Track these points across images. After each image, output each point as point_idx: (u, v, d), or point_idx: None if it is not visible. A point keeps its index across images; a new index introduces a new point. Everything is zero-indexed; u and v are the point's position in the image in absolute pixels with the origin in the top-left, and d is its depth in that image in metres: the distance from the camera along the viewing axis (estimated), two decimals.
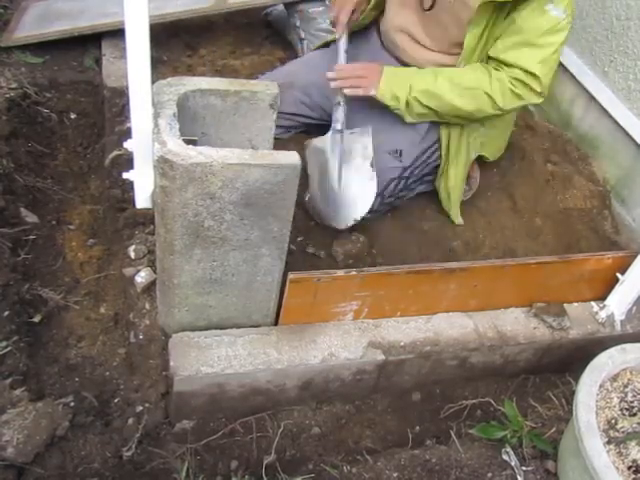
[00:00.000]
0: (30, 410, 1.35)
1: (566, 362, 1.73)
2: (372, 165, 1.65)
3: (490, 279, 1.61)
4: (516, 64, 1.59)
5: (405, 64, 1.78)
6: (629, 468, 1.32)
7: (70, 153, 2.09)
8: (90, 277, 1.74)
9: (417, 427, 1.62)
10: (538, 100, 1.67)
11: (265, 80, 1.51)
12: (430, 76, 1.65)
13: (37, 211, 1.85)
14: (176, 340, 1.44)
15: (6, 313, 1.50)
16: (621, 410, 1.41)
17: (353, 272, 1.47)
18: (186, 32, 2.42)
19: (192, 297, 1.39)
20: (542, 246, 1.90)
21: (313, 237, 1.76)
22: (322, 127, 1.95)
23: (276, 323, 1.52)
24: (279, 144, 1.48)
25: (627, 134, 2.04)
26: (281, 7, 2.45)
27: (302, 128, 1.97)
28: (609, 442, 1.35)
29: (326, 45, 1.98)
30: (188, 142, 1.19)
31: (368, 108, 1.75)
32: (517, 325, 1.67)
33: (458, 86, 1.62)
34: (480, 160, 1.94)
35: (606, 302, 1.73)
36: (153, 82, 1.19)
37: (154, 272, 1.55)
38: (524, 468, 1.47)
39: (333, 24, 1.78)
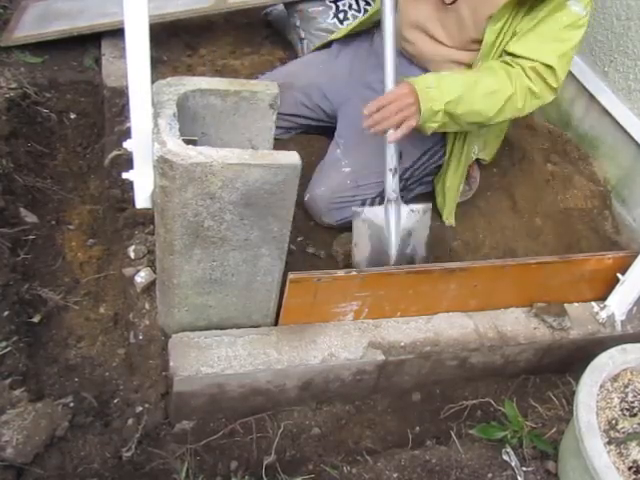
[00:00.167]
0: (29, 410, 1.34)
1: (566, 362, 1.73)
2: (427, 242, 1.65)
3: (490, 279, 1.61)
4: (534, 57, 1.55)
5: (415, 61, 1.76)
6: (629, 468, 1.32)
7: (70, 153, 2.08)
8: (90, 277, 1.74)
9: (417, 427, 1.62)
10: (552, 97, 1.63)
11: (265, 80, 1.50)
12: (455, 82, 1.54)
13: (37, 211, 1.85)
14: (176, 340, 1.44)
15: (6, 313, 1.50)
16: (621, 410, 1.41)
17: (353, 272, 1.47)
18: (186, 32, 2.42)
19: (192, 297, 1.39)
20: (542, 246, 1.90)
21: (313, 237, 1.76)
22: (321, 128, 1.95)
23: (276, 323, 1.52)
24: (279, 144, 1.48)
25: (627, 134, 2.04)
26: (281, 7, 2.44)
27: (302, 129, 1.96)
28: (610, 442, 1.34)
29: (327, 45, 1.97)
30: (188, 142, 1.19)
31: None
32: (517, 325, 1.67)
33: (481, 89, 1.54)
34: (478, 161, 1.94)
35: (607, 302, 1.73)
36: (153, 82, 1.19)
37: (154, 272, 1.55)
38: (524, 468, 1.47)
39: None
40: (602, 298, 1.75)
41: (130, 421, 1.44)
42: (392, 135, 1.52)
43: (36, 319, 1.58)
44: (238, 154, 1.18)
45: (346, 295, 1.50)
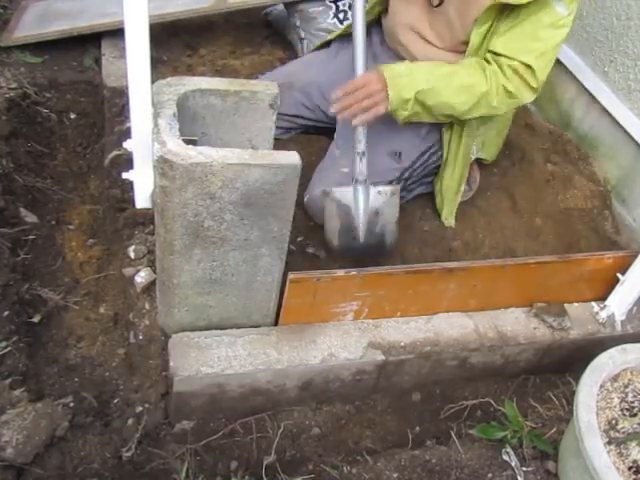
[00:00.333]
0: (29, 410, 1.34)
1: (566, 362, 1.73)
2: (397, 223, 1.67)
3: (490, 279, 1.61)
4: (513, 56, 1.55)
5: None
6: (630, 468, 1.32)
7: (70, 153, 2.08)
8: (90, 277, 1.74)
9: (417, 427, 1.62)
10: (531, 97, 1.63)
11: (265, 80, 1.50)
12: (428, 72, 1.56)
13: (37, 211, 1.85)
14: (176, 340, 1.44)
15: (6, 313, 1.50)
16: (621, 410, 1.41)
17: (353, 272, 1.47)
18: (186, 32, 2.42)
19: (192, 297, 1.39)
20: (542, 246, 1.90)
21: (313, 237, 1.76)
22: (321, 128, 1.95)
23: (276, 323, 1.52)
24: (279, 144, 1.48)
25: (627, 134, 2.03)
26: (281, 7, 2.44)
27: (302, 129, 1.96)
28: (610, 442, 1.34)
29: (326, 45, 1.97)
30: (188, 142, 1.19)
31: None
32: (517, 325, 1.67)
33: (455, 83, 1.55)
34: (479, 161, 1.94)
35: (607, 302, 1.73)
36: (153, 82, 1.19)
37: (154, 272, 1.55)
38: (524, 468, 1.47)
39: None
40: (602, 298, 1.75)
41: (130, 421, 1.44)
42: (357, 118, 1.53)
43: (36, 319, 1.58)
44: (238, 154, 1.18)
45: (346, 295, 1.50)
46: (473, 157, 1.84)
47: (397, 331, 1.58)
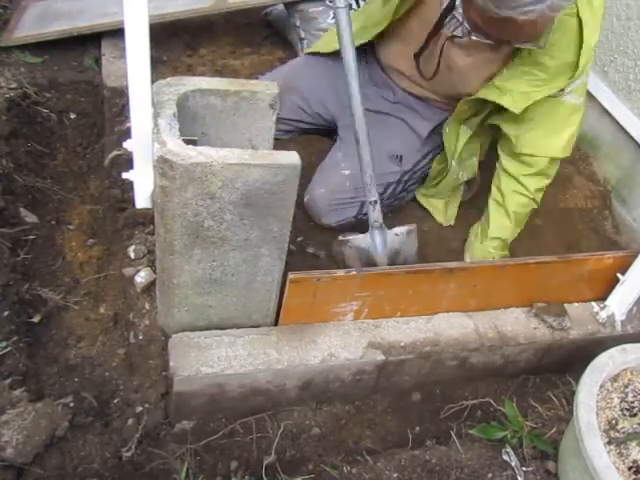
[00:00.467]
0: (29, 410, 1.34)
1: (566, 362, 1.73)
2: (417, 254, 1.73)
3: (490, 279, 1.61)
4: (543, 154, 1.65)
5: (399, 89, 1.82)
6: (630, 468, 1.32)
7: (70, 153, 2.08)
8: (90, 277, 1.74)
9: (417, 427, 1.62)
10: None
11: (265, 80, 1.50)
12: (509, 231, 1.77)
13: (37, 211, 1.85)
14: (176, 340, 1.44)
15: (6, 313, 1.50)
16: (621, 410, 1.41)
17: (353, 272, 1.47)
18: (186, 32, 2.42)
19: (192, 297, 1.39)
20: (542, 246, 1.90)
21: (313, 237, 1.76)
22: (321, 130, 1.95)
23: (276, 323, 1.52)
24: (279, 144, 1.48)
25: (627, 134, 2.04)
26: (281, 7, 2.44)
27: (300, 132, 1.96)
28: (610, 442, 1.34)
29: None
30: (188, 142, 1.19)
31: (367, 112, 1.75)
32: (517, 325, 1.67)
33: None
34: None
35: (607, 302, 1.73)
36: (153, 82, 1.19)
37: (154, 272, 1.55)
38: (524, 468, 1.47)
39: None
40: (602, 298, 1.75)
41: (130, 421, 1.44)
42: None
43: (36, 319, 1.58)
44: (238, 154, 1.18)
45: (346, 295, 1.50)
46: (476, 161, 1.85)
47: (397, 331, 1.58)
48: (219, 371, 1.40)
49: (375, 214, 1.62)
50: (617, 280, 1.69)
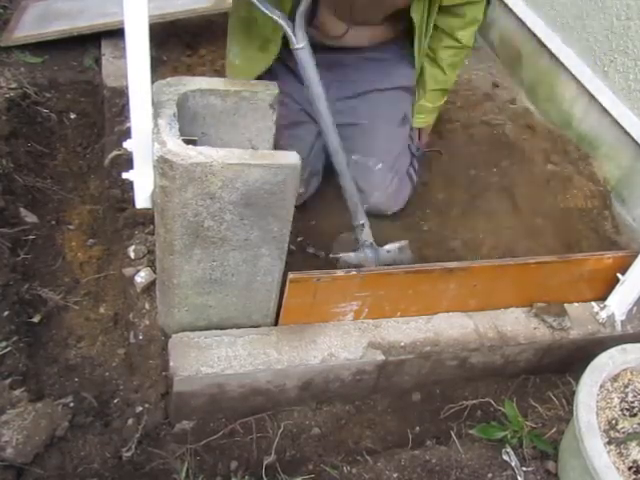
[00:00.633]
0: (29, 410, 1.34)
1: (566, 362, 1.73)
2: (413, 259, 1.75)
3: (490, 279, 1.61)
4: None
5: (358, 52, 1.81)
6: (630, 468, 1.32)
7: (70, 153, 2.08)
8: (90, 277, 1.74)
9: (417, 427, 1.62)
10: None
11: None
12: (442, 93, 1.86)
13: (37, 211, 1.85)
14: (176, 340, 1.44)
15: (6, 313, 1.50)
16: (621, 410, 1.40)
17: (353, 272, 1.47)
18: (186, 32, 2.42)
19: (192, 297, 1.39)
20: (542, 246, 1.90)
21: (313, 237, 1.76)
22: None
23: (276, 323, 1.52)
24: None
25: (627, 134, 2.03)
26: None
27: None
28: (610, 442, 1.34)
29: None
30: (188, 142, 1.19)
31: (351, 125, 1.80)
32: (517, 325, 1.67)
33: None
34: None
35: (607, 302, 1.73)
36: (153, 82, 1.19)
37: (154, 272, 1.55)
38: (524, 468, 1.47)
39: None
40: (602, 298, 1.75)
41: (130, 421, 1.44)
42: None
43: (36, 319, 1.58)
44: (238, 154, 1.18)
45: (346, 295, 1.50)
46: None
47: (397, 331, 1.58)
48: (219, 371, 1.40)
49: (364, 235, 1.65)
50: (617, 280, 1.69)
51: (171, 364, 1.39)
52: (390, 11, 1.68)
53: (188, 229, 1.24)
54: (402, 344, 1.55)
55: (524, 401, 1.68)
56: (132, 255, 1.62)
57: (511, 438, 1.52)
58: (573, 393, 1.43)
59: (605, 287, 1.73)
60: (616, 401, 1.42)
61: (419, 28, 1.69)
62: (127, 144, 1.25)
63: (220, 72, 2.25)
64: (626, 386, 1.45)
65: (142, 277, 1.56)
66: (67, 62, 2.33)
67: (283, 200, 1.25)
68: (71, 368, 1.54)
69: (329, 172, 1.89)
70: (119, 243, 1.71)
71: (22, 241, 1.73)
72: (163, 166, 1.16)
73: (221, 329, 1.48)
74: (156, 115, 1.21)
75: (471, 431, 1.58)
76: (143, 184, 1.30)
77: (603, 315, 1.72)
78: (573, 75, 2.23)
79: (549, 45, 2.33)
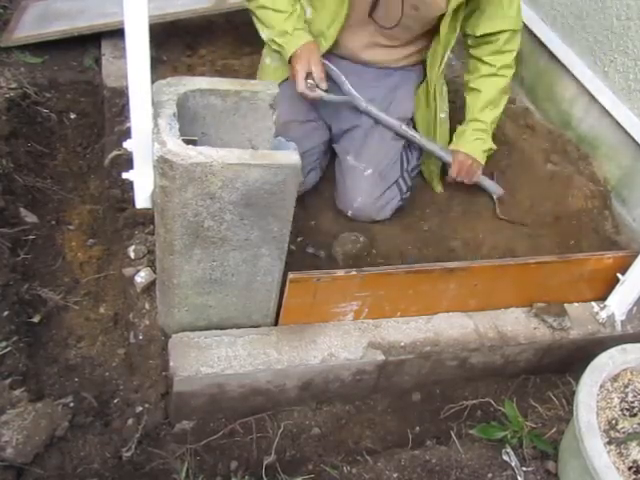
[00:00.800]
0: (29, 410, 1.34)
1: (566, 362, 1.73)
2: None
3: (490, 279, 1.61)
4: (498, 29, 1.77)
5: (378, 68, 1.85)
6: (630, 468, 1.32)
7: (70, 153, 2.09)
8: (90, 277, 1.74)
9: (417, 427, 1.62)
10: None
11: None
12: (490, 116, 1.87)
13: (37, 211, 1.85)
14: (176, 340, 1.44)
15: (6, 313, 1.50)
16: (621, 410, 1.40)
17: (353, 272, 1.47)
18: (186, 32, 2.42)
19: (192, 297, 1.39)
20: (542, 246, 1.90)
21: (313, 237, 1.76)
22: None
23: (276, 323, 1.52)
24: None
25: (627, 134, 2.03)
26: None
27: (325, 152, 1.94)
28: (610, 442, 1.34)
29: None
30: (188, 142, 1.19)
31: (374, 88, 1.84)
32: (517, 325, 1.67)
33: (502, 107, 1.89)
34: None
35: (607, 302, 1.73)
36: (153, 82, 1.19)
37: (154, 272, 1.55)
38: (524, 468, 1.47)
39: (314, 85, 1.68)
40: (602, 298, 1.75)
41: (130, 421, 1.44)
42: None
43: (36, 319, 1.58)
44: (238, 154, 1.18)
45: (346, 295, 1.50)
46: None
47: (397, 331, 1.58)
48: (219, 371, 1.40)
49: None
50: (617, 280, 1.69)
51: (171, 364, 1.39)
52: (428, 25, 1.73)
53: (188, 229, 1.24)
54: (402, 344, 1.55)
55: (524, 401, 1.68)
56: (132, 255, 1.62)
57: (511, 438, 1.52)
58: (573, 393, 1.43)
59: (605, 287, 1.73)
60: (616, 401, 1.42)
61: (444, 37, 1.73)
62: (127, 144, 1.25)
63: (220, 72, 2.25)
64: (626, 386, 1.45)
65: (142, 277, 1.56)
66: (67, 62, 2.33)
67: (283, 200, 1.25)
68: (71, 368, 1.54)
69: (329, 172, 1.90)
70: (119, 243, 1.71)
71: (22, 241, 1.73)
72: (163, 166, 1.16)
73: (221, 329, 1.48)
74: (156, 115, 1.21)
75: (471, 431, 1.58)
76: (143, 184, 1.30)
77: (603, 315, 1.72)
78: (573, 75, 2.22)
79: (549, 45, 2.32)
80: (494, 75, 1.84)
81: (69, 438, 1.38)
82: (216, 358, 1.42)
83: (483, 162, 1.89)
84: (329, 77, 1.74)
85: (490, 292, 1.64)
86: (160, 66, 2.22)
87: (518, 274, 1.62)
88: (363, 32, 1.75)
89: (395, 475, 1.43)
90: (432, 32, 1.77)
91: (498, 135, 2.21)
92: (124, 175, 1.30)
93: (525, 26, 2.44)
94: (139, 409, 1.45)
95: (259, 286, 1.41)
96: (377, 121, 1.81)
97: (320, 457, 1.51)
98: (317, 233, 1.78)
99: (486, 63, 1.83)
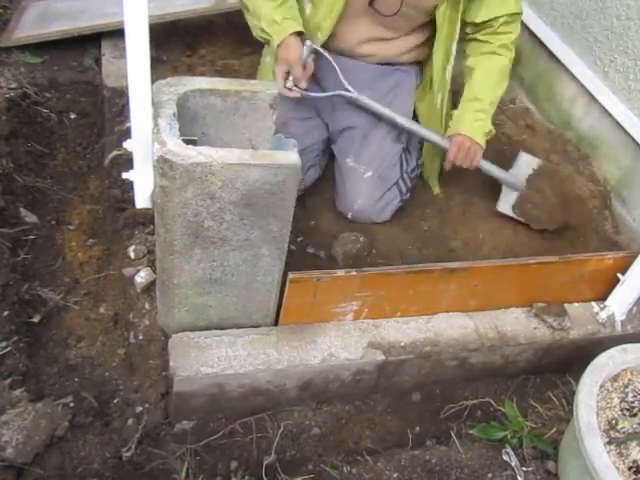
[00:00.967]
0: (29, 410, 1.34)
1: (566, 362, 1.73)
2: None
3: (490, 279, 1.61)
4: (498, 14, 1.75)
5: (378, 61, 1.84)
6: (629, 468, 1.32)
7: (70, 153, 2.09)
8: (90, 277, 1.74)
9: (417, 427, 1.62)
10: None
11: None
12: (490, 95, 1.81)
13: (37, 211, 1.85)
14: (176, 340, 1.44)
15: (6, 313, 1.50)
16: (621, 410, 1.40)
17: (353, 272, 1.47)
18: (186, 32, 2.42)
19: (192, 297, 1.39)
20: (542, 246, 1.89)
21: (313, 237, 1.76)
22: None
23: (276, 323, 1.52)
24: None
25: (627, 134, 2.03)
26: None
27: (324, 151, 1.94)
28: (610, 442, 1.34)
29: None
30: (188, 142, 1.19)
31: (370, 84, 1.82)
32: (517, 325, 1.67)
33: (502, 83, 1.83)
34: None
35: (607, 302, 1.73)
36: (153, 82, 1.19)
37: (154, 272, 1.55)
38: (524, 469, 1.47)
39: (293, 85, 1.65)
40: (602, 298, 1.75)
41: (130, 421, 1.44)
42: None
43: (36, 319, 1.58)
44: (238, 154, 1.18)
45: (346, 295, 1.50)
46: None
47: (397, 331, 1.58)
48: (219, 371, 1.40)
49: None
50: (617, 280, 1.69)
51: (171, 364, 1.39)
52: (428, 14, 1.72)
53: (188, 229, 1.24)
54: (402, 344, 1.55)
55: (524, 401, 1.68)
56: (132, 255, 1.62)
57: (511, 438, 1.52)
58: (573, 393, 1.43)
59: (605, 287, 1.73)
60: (616, 401, 1.42)
61: (441, 26, 1.72)
62: (127, 144, 1.25)
63: (220, 72, 2.25)
64: (626, 386, 1.45)
65: (142, 277, 1.56)
66: (67, 62, 2.33)
67: (283, 200, 1.25)
68: (71, 368, 1.54)
69: (329, 172, 1.90)
70: (119, 243, 1.71)
71: (22, 241, 1.73)
72: (163, 166, 1.16)
73: (221, 329, 1.48)
74: (156, 115, 1.21)
75: (471, 431, 1.58)
76: (143, 184, 1.30)
77: (603, 315, 1.72)
78: (573, 75, 2.22)
79: (549, 45, 2.33)
80: (493, 53, 1.80)
81: (69, 438, 1.38)
82: (216, 358, 1.42)
83: (484, 145, 1.79)
84: (321, 68, 1.71)
85: (490, 292, 1.64)
86: (160, 66, 2.22)
87: (518, 274, 1.62)
88: (361, 24, 1.73)
89: (395, 475, 1.43)
90: (432, 27, 1.75)
91: (498, 135, 2.22)
92: (124, 175, 1.30)
93: (525, 26, 2.44)
94: (139, 409, 1.45)
95: (259, 286, 1.41)
96: (369, 111, 1.78)
97: (320, 457, 1.51)
98: (317, 233, 1.78)
99: (485, 42, 1.80)
